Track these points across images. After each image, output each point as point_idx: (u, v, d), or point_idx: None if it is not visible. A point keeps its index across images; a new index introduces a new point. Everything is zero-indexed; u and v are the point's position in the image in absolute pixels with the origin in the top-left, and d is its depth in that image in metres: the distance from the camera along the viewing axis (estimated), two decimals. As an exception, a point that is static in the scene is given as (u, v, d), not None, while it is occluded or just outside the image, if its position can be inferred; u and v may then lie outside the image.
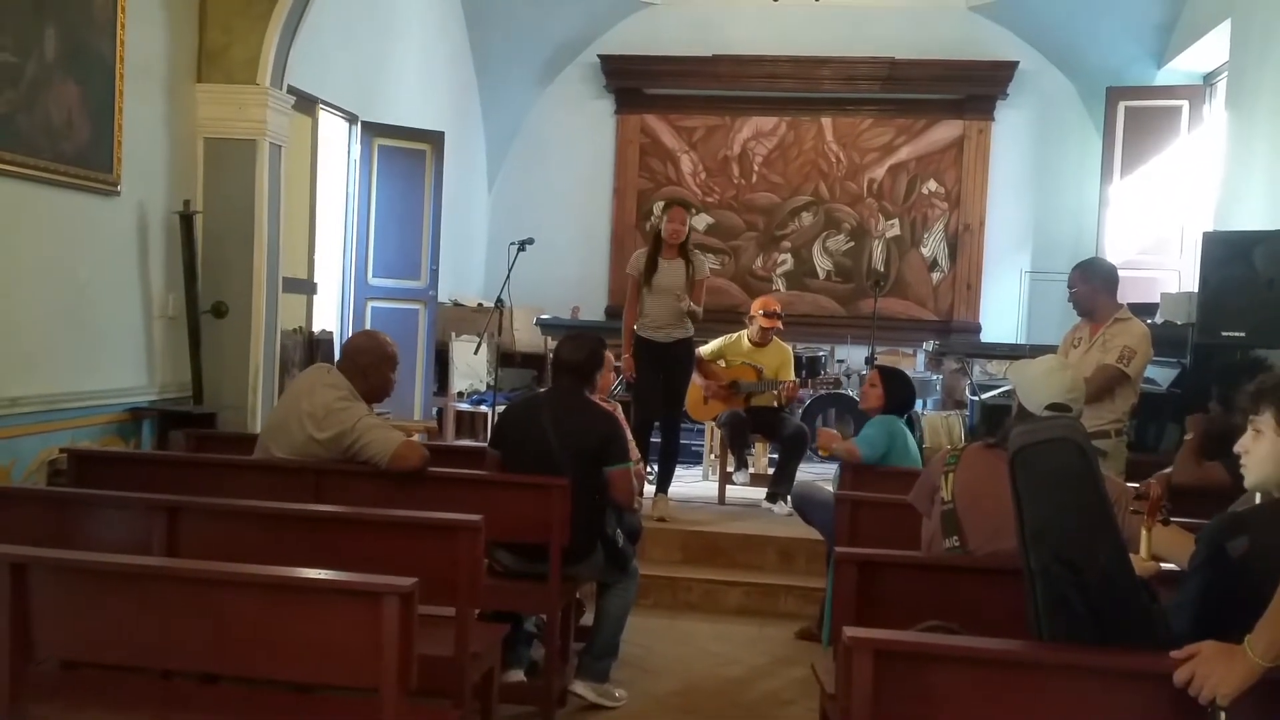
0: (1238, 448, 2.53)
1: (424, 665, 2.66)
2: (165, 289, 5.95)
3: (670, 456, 6.65)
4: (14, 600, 2.67)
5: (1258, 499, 2.47)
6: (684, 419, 7.11)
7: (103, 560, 2.76)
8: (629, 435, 4.67)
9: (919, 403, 8.59)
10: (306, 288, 7.66)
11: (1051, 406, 3.10)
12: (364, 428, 4.15)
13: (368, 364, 4.26)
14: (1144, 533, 2.61)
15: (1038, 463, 2.34)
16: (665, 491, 6.64)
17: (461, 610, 3.32)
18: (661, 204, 10.93)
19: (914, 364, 9.77)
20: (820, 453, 7.24)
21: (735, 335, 7.49)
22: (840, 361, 9.87)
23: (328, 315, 8.16)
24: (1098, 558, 2.24)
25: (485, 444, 4.94)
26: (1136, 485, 3.08)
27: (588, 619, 5.06)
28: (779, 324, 7.34)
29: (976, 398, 8.23)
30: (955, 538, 3.25)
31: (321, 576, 2.63)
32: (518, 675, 4.41)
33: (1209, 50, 8.79)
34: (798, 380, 7.40)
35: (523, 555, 4.30)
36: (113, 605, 2.72)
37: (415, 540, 3.37)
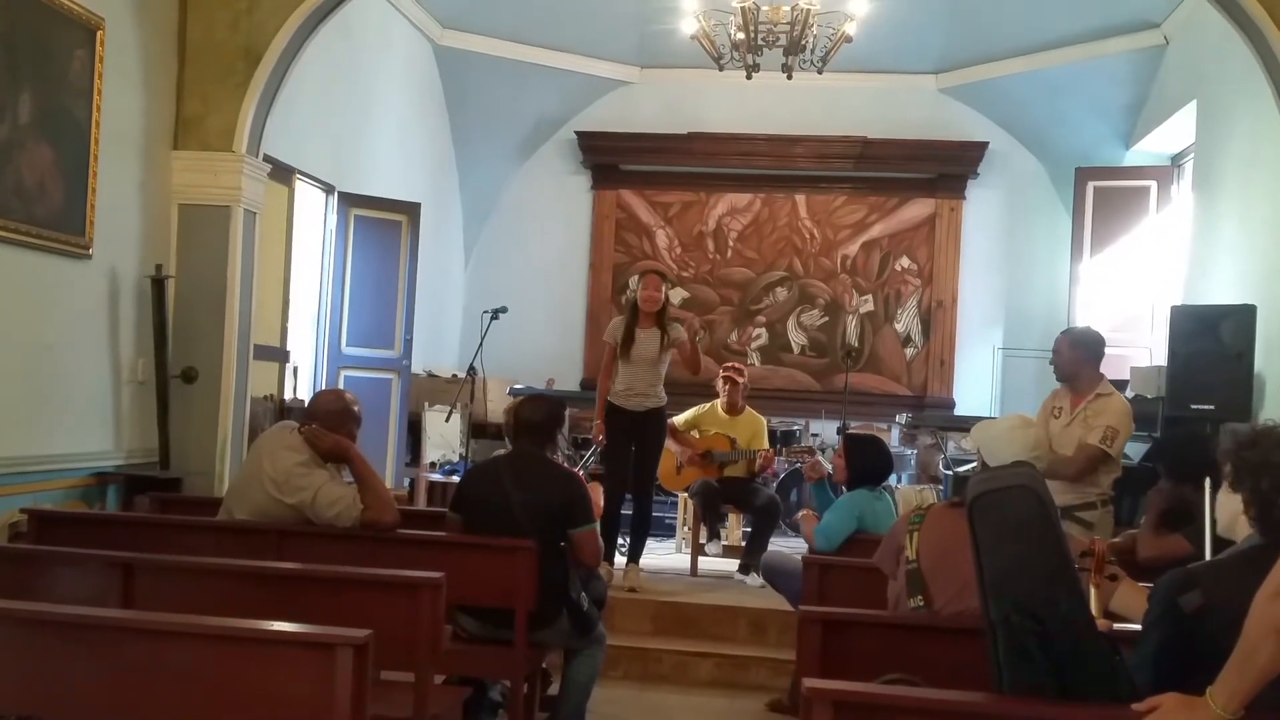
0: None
1: (380, 725, 2.61)
2: (135, 353, 5.92)
3: (642, 528, 6.61)
4: (-39, 654, 2.61)
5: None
6: (657, 491, 7.09)
7: (51, 612, 2.71)
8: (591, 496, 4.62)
9: (893, 477, 8.58)
10: (279, 355, 7.63)
11: (1015, 464, 3.10)
12: (324, 499, 4.10)
13: (336, 424, 4.23)
14: (1092, 590, 2.60)
15: (996, 510, 2.34)
16: (637, 562, 6.58)
17: (421, 669, 3.27)
18: (637, 276, 10.98)
19: (889, 439, 9.77)
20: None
21: (709, 405, 7.50)
22: (815, 435, 9.86)
23: (301, 383, 8.12)
24: (1058, 606, 2.23)
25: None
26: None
27: (554, 689, 4.97)
28: (739, 379, 7.38)
29: (950, 472, 8.23)
30: (920, 597, 3.23)
31: (273, 628, 2.58)
32: (481, 744, 4.33)
33: (1176, 131, 8.96)
34: (772, 450, 7.40)
35: (487, 620, 4.24)
36: (64, 659, 2.67)
37: (375, 598, 3.33)
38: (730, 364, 7.61)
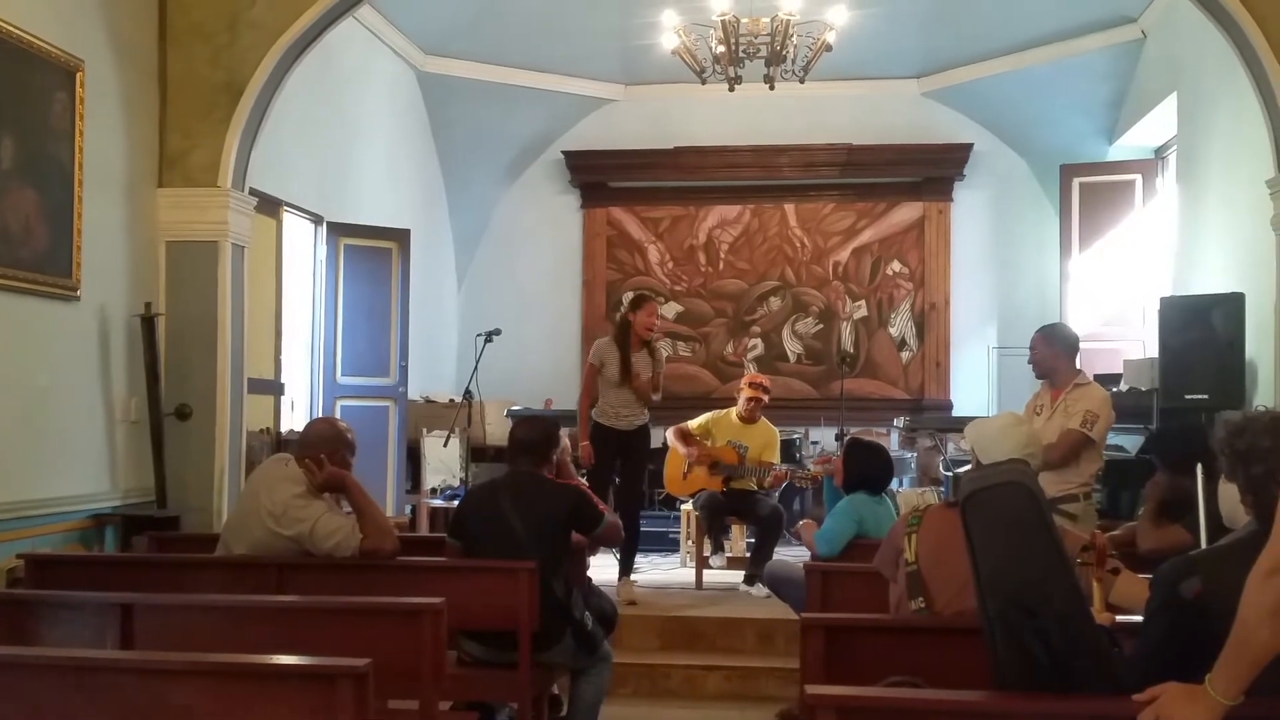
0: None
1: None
2: (128, 393, 5.91)
3: (631, 542, 6.61)
4: (-42, 701, 2.60)
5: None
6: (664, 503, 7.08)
7: (49, 656, 2.69)
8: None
9: (895, 481, 8.55)
10: (273, 388, 7.62)
11: (1008, 462, 3.09)
12: (322, 530, 4.07)
13: (329, 451, 4.22)
14: (1094, 584, 2.60)
15: (988, 508, 2.34)
16: (629, 575, 6.58)
17: (426, 697, 3.25)
18: (630, 295, 11.01)
19: (889, 443, 9.75)
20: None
21: (723, 412, 7.49)
22: (815, 443, 9.85)
23: (297, 415, 8.11)
24: (1053, 601, 2.23)
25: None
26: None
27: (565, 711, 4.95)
28: (764, 396, 7.36)
29: (951, 473, 8.23)
30: (921, 599, 3.22)
31: (272, 661, 2.57)
32: (491, 768, 4.31)
33: (1158, 124, 8.99)
34: (787, 468, 7.35)
35: (491, 644, 4.22)
36: (65, 703, 2.65)
37: (376, 626, 3.32)
38: (758, 379, 7.54)
